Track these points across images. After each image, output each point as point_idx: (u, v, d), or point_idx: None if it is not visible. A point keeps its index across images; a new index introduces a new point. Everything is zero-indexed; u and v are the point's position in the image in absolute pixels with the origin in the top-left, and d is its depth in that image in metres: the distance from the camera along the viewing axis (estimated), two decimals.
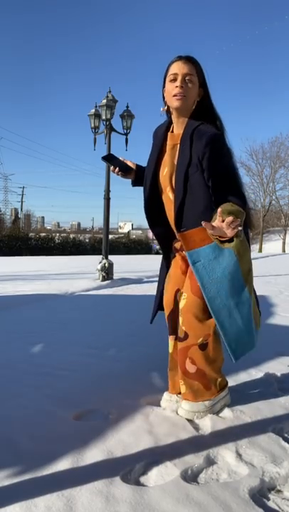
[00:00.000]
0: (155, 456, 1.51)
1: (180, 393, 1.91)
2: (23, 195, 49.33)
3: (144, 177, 1.93)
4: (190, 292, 1.77)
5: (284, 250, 37.46)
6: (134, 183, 2.05)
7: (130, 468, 1.44)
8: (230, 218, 1.43)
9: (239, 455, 1.53)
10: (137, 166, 2.04)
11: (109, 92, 8.44)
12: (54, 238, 30.92)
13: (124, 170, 2.02)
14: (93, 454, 1.52)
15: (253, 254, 25.78)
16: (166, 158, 1.81)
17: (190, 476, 1.41)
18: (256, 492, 1.33)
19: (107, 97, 8.36)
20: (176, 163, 1.74)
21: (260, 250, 37.45)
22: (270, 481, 1.39)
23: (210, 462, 1.50)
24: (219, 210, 1.49)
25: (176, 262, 1.95)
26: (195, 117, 1.74)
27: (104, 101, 8.29)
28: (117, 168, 1.99)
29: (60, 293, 6.13)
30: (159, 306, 2.02)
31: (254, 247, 40.78)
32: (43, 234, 33.80)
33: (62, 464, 1.45)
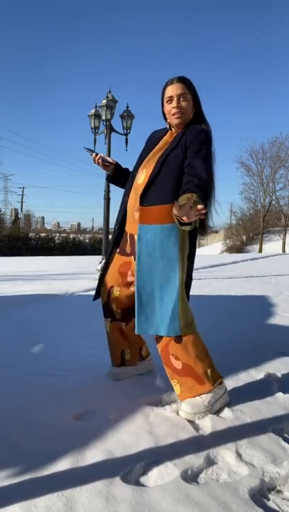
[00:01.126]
0: (155, 457, 1.51)
1: (122, 364, 2.27)
2: (23, 195, 49.38)
3: (122, 175, 2.16)
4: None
5: (284, 250, 37.43)
6: (112, 178, 2.22)
7: (130, 468, 1.44)
8: (201, 206, 1.49)
9: (239, 455, 1.53)
10: (117, 163, 2.20)
11: (109, 92, 8.45)
12: (54, 238, 30.96)
13: (105, 162, 2.16)
14: (93, 454, 1.52)
15: (253, 255, 25.83)
16: (158, 149, 1.98)
17: (190, 476, 1.41)
18: (256, 492, 1.33)
19: (107, 97, 8.36)
20: (164, 149, 1.92)
21: (260, 250, 37.42)
22: (270, 481, 1.39)
23: (210, 462, 1.50)
24: (190, 196, 1.56)
25: (118, 261, 2.13)
26: (190, 123, 1.96)
27: (104, 101, 8.30)
28: (99, 155, 2.13)
29: (60, 293, 6.13)
30: (98, 294, 2.27)
31: (254, 247, 40.79)
32: (43, 234, 33.85)
33: (62, 464, 1.45)
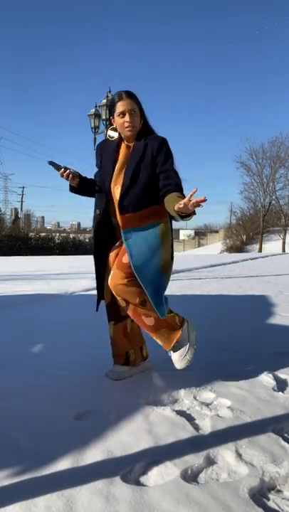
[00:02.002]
0: (155, 456, 1.51)
1: (126, 364, 2.35)
2: (23, 195, 49.37)
3: (87, 186, 2.29)
4: (115, 268, 2.17)
5: (284, 250, 37.44)
6: (76, 189, 2.31)
7: (130, 468, 1.44)
8: (201, 198, 1.78)
9: (239, 455, 1.53)
10: (80, 174, 2.30)
11: (109, 92, 8.45)
12: (54, 238, 30.97)
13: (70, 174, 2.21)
14: (93, 454, 1.52)
15: (253, 254, 25.82)
16: (122, 162, 2.18)
17: (190, 476, 1.41)
18: (256, 492, 1.33)
19: (107, 96, 8.37)
20: (128, 161, 2.14)
21: (260, 250, 37.44)
22: (270, 481, 1.39)
23: (210, 462, 1.50)
24: (178, 195, 1.97)
25: (112, 257, 2.26)
26: (139, 134, 2.18)
27: (104, 101, 8.31)
28: (68, 171, 2.19)
29: (60, 293, 6.13)
30: (101, 296, 2.35)
31: (254, 247, 40.80)
32: (43, 234, 33.85)
33: (62, 464, 1.45)
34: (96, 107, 8.62)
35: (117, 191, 2.15)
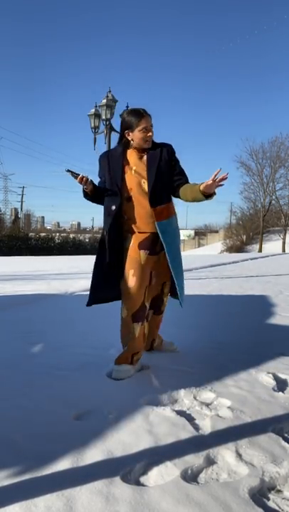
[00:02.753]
0: (155, 456, 1.51)
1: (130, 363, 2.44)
2: (23, 195, 49.35)
3: (99, 192, 2.47)
4: (168, 280, 2.57)
5: (284, 250, 37.42)
6: (90, 196, 2.47)
7: (130, 468, 1.44)
8: (224, 175, 2.20)
9: (239, 455, 1.53)
10: (92, 180, 2.46)
11: (109, 91, 8.45)
12: (54, 238, 30.95)
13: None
14: (93, 454, 1.52)
15: (253, 254, 25.82)
16: (136, 166, 2.44)
17: (190, 476, 1.41)
18: (256, 492, 1.33)
19: (107, 96, 8.37)
20: (146, 163, 2.42)
21: (260, 250, 37.42)
22: (270, 481, 1.39)
23: (210, 462, 1.50)
24: (194, 183, 2.38)
25: (150, 261, 2.45)
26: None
27: (104, 101, 8.30)
28: (86, 177, 2.34)
29: (60, 293, 6.13)
30: (98, 293, 2.51)
31: (254, 247, 40.78)
32: (43, 234, 33.84)
33: (63, 464, 1.45)
34: (96, 107, 8.62)
35: (141, 187, 2.41)
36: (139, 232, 2.44)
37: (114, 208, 2.42)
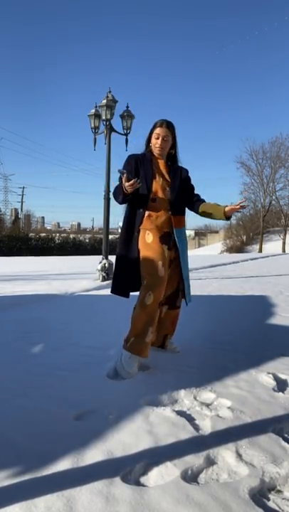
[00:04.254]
0: (155, 457, 1.51)
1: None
2: (23, 195, 49.29)
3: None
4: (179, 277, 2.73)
5: (284, 250, 37.42)
6: (127, 196, 2.56)
7: (130, 468, 1.44)
8: (243, 202, 2.60)
9: (239, 455, 1.53)
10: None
11: (109, 92, 8.44)
12: (54, 238, 30.95)
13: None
14: (93, 454, 1.52)
15: (253, 255, 25.81)
16: (162, 174, 2.71)
17: (190, 476, 1.41)
18: (256, 492, 1.33)
19: (107, 97, 8.36)
20: (172, 176, 2.73)
21: (260, 250, 37.42)
22: (270, 481, 1.39)
23: (210, 462, 1.50)
24: (214, 203, 2.76)
25: (170, 255, 2.66)
26: (170, 157, 2.79)
27: (104, 101, 8.29)
28: (133, 181, 2.41)
29: (60, 293, 6.13)
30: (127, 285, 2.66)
31: (254, 247, 40.78)
32: (43, 234, 33.84)
33: (63, 464, 1.45)
34: (96, 107, 8.61)
35: (164, 192, 2.65)
36: (157, 229, 2.62)
37: (141, 210, 2.64)
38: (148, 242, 2.58)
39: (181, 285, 2.75)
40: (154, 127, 2.70)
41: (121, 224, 2.83)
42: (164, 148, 2.71)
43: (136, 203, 2.64)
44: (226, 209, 2.62)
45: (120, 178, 2.49)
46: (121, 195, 2.53)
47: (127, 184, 2.42)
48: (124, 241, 2.66)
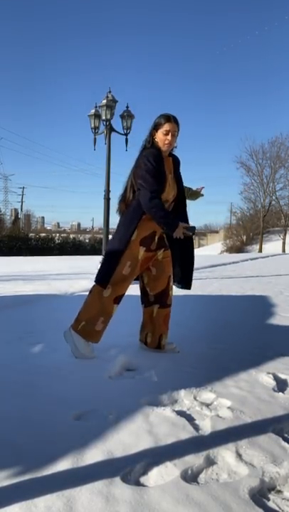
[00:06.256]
0: (155, 457, 1.51)
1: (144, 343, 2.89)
2: (23, 195, 49.35)
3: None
4: (171, 273, 2.81)
5: (284, 250, 37.40)
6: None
7: (130, 468, 1.44)
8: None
9: (239, 455, 1.53)
10: None
11: (109, 92, 8.45)
12: (54, 238, 30.94)
13: None
14: (93, 454, 1.52)
15: (253, 255, 25.82)
16: (170, 174, 2.71)
17: (190, 476, 1.41)
18: (256, 492, 1.33)
19: (107, 97, 8.36)
20: (177, 175, 2.77)
21: (260, 250, 37.41)
22: (270, 481, 1.39)
23: (210, 462, 1.50)
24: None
25: (143, 256, 2.66)
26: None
27: (104, 101, 8.30)
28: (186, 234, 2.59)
29: (60, 293, 6.13)
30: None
31: (254, 248, 40.77)
32: (43, 234, 33.83)
33: (63, 464, 1.45)
34: (96, 107, 8.61)
35: (172, 193, 2.70)
36: (146, 229, 2.63)
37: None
38: (132, 240, 2.60)
39: (175, 278, 2.81)
40: (161, 123, 2.62)
41: None
42: (171, 145, 2.67)
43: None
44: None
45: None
46: (169, 230, 2.56)
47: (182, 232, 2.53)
48: (120, 240, 2.64)
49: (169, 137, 2.61)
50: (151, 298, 2.77)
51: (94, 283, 2.68)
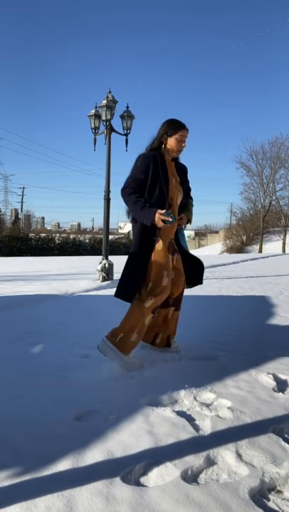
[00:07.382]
0: (155, 457, 1.51)
1: (152, 344, 2.87)
2: (23, 195, 49.30)
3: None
4: (180, 273, 2.81)
5: (284, 251, 37.39)
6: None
7: (130, 468, 1.44)
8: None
9: (239, 455, 1.53)
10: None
11: (110, 92, 8.44)
12: (54, 239, 30.90)
13: None
14: (93, 455, 1.52)
15: (253, 255, 25.80)
16: (174, 178, 2.74)
17: (190, 477, 1.41)
18: (256, 492, 1.33)
19: (107, 97, 8.35)
20: (179, 178, 2.78)
21: (260, 251, 37.40)
22: (270, 482, 1.39)
23: (210, 463, 1.50)
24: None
25: (172, 260, 2.73)
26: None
27: (105, 101, 8.29)
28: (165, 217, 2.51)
29: (60, 293, 6.13)
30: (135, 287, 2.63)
31: (254, 248, 40.76)
32: (43, 234, 33.78)
33: (63, 464, 1.45)
34: (96, 107, 8.61)
35: (178, 196, 2.73)
36: (166, 237, 2.67)
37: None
38: (158, 250, 2.61)
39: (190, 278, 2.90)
40: (176, 129, 2.66)
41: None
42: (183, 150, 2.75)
43: (159, 204, 2.60)
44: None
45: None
46: (148, 221, 2.52)
47: (161, 218, 2.47)
48: (141, 247, 2.59)
49: (183, 144, 2.70)
50: (170, 301, 2.81)
51: (135, 296, 2.59)
